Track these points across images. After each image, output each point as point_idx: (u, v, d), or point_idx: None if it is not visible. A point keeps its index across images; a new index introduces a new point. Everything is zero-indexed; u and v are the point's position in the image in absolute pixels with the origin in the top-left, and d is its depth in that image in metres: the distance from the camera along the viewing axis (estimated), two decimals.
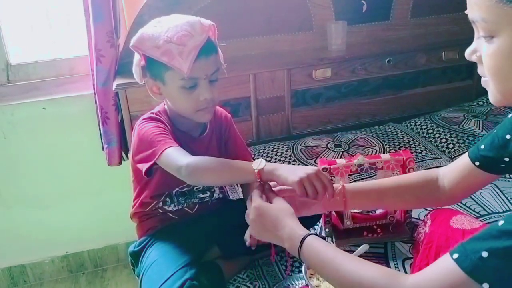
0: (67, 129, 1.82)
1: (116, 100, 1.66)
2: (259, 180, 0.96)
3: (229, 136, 1.28)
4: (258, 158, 1.19)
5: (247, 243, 1.04)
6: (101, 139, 1.74)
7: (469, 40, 0.66)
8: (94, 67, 1.63)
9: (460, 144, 1.69)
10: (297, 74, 1.79)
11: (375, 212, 1.33)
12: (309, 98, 1.86)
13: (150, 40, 1.03)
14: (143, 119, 1.14)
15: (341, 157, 1.59)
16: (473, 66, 0.64)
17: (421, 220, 1.33)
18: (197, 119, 1.14)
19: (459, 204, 1.33)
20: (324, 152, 1.62)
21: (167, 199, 1.20)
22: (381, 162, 1.28)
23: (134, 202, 1.23)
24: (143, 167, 1.08)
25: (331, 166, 1.25)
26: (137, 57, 1.10)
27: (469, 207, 1.34)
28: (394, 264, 1.16)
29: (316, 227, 1.29)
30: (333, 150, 1.63)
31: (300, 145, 1.69)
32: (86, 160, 1.88)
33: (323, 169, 1.27)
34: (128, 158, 1.77)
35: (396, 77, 1.95)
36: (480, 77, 0.67)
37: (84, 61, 1.77)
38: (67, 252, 1.99)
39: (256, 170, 0.95)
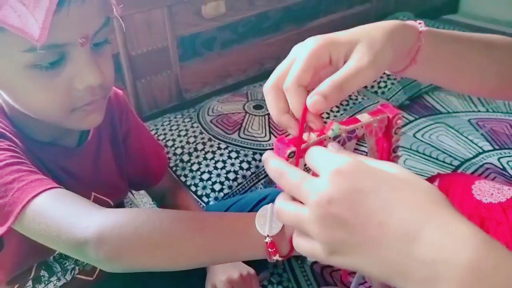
0: None
1: None
2: (276, 259, 0.44)
3: (129, 129, 0.73)
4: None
5: None
6: None
7: None
8: None
9: (393, 81, 1.41)
10: (181, 12, 1.24)
11: None
12: (200, 45, 1.35)
13: None
14: None
15: (269, 123, 1.16)
16: None
17: None
18: (74, 125, 0.57)
19: None
20: (247, 120, 1.16)
21: (42, 273, 0.64)
22: (362, 127, 0.90)
23: None
24: None
25: (301, 147, 0.82)
26: None
27: None
28: None
29: None
30: (256, 115, 1.19)
31: (208, 114, 1.19)
32: None
33: (290, 154, 0.83)
34: None
35: (298, 7, 1.55)
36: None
37: None
38: None
39: (268, 240, 0.44)
